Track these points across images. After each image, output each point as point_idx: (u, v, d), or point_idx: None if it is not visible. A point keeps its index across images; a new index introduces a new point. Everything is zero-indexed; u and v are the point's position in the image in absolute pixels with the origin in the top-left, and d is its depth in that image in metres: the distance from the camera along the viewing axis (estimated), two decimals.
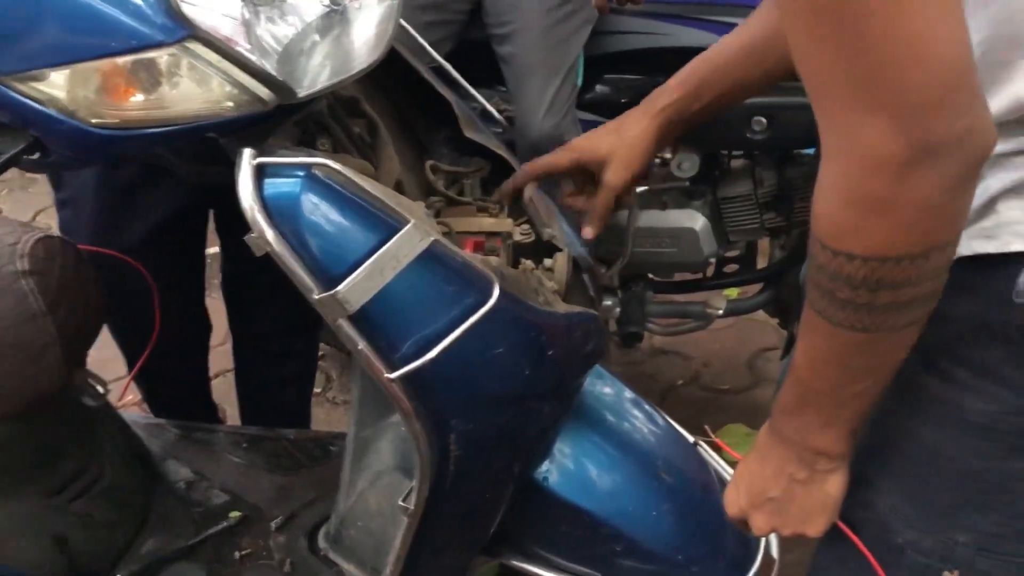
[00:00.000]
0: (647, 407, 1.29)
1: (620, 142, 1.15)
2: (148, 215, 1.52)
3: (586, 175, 1.21)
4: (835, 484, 0.81)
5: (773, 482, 0.83)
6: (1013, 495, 0.77)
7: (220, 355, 2.02)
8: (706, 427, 1.27)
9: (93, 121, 0.84)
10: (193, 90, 0.84)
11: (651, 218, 2.19)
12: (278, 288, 1.70)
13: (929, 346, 0.76)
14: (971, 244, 0.72)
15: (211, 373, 1.99)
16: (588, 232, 1.14)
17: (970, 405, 0.76)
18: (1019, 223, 0.71)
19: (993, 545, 0.79)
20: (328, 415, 2.47)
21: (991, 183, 0.72)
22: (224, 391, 2.27)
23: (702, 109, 1.12)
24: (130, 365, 1.74)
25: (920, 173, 0.58)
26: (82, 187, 1.50)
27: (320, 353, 2.60)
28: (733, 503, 0.90)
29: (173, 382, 1.80)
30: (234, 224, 1.67)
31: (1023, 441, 0.75)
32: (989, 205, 0.72)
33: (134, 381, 1.79)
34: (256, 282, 1.74)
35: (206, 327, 1.82)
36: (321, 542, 1.37)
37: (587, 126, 2.08)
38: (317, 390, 2.48)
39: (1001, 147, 0.69)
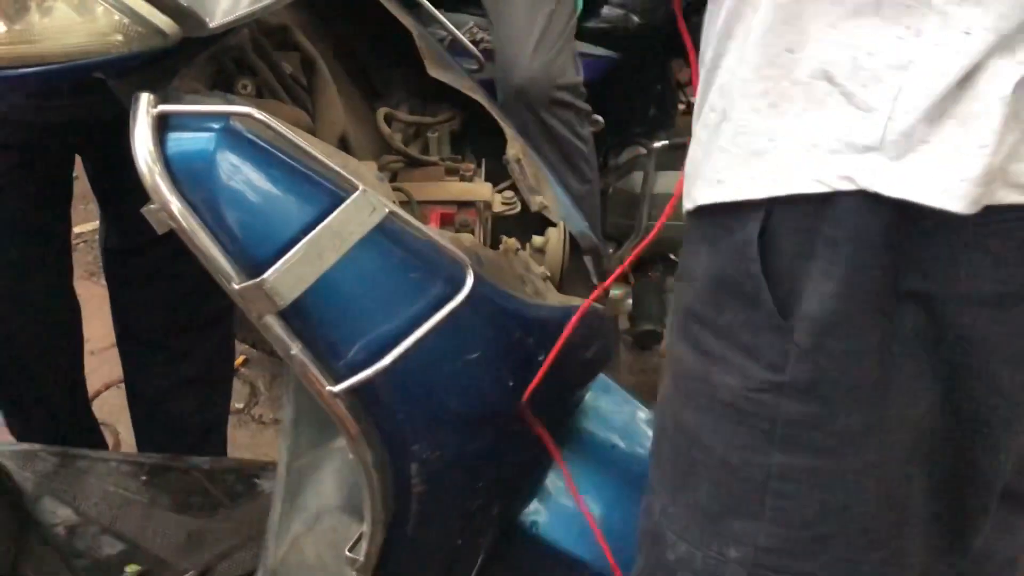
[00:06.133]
0: None
1: None
2: None
3: None
4: None
5: None
6: (782, 498, 0.80)
7: (110, 360, 2.02)
8: None
9: None
10: (71, 19, 0.83)
11: (672, 181, 2.19)
12: (173, 266, 1.73)
13: (680, 308, 0.83)
14: (703, 190, 0.78)
15: (100, 384, 1.99)
16: None
17: (719, 380, 0.80)
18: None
19: (768, 561, 0.82)
20: (253, 438, 2.47)
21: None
22: (117, 407, 2.27)
23: None
24: None
25: None
26: None
27: (242, 357, 2.61)
28: None
29: (36, 389, 1.80)
30: (115, 183, 1.70)
31: (779, 428, 0.78)
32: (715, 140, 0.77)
33: None
34: (147, 259, 1.74)
35: (73, 310, 1.82)
36: None
37: (589, 64, 2.08)
38: (238, 406, 2.48)
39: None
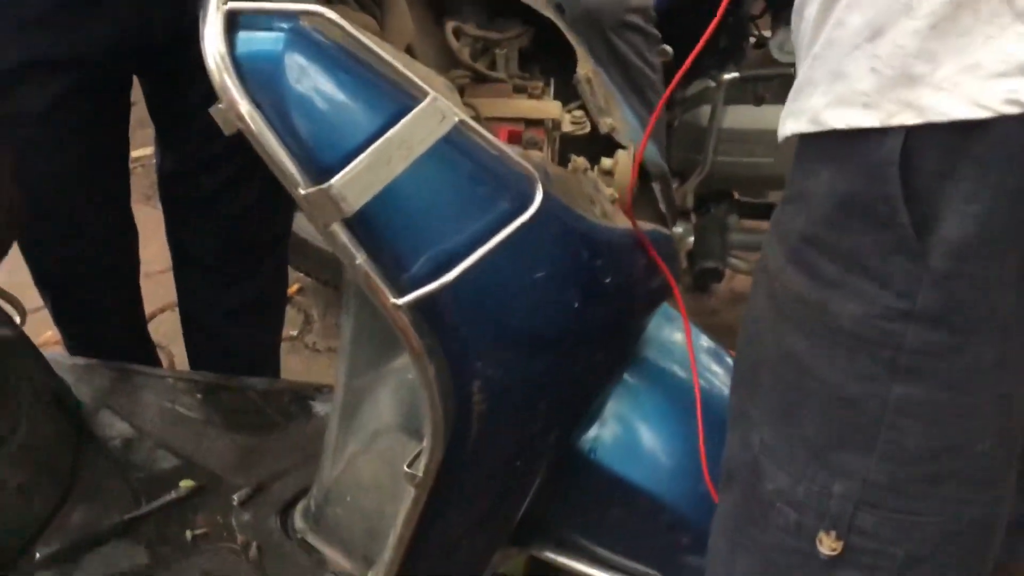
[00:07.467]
0: (730, 360, 1.28)
1: None
2: (53, 72, 1.52)
3: None
4: None
5: None
6: (898, 432, 0.78)
7: (164, 284, 2.04)
8: None
9: None
10: None
11: (741, 116, 2.16)
12: (228, 192, 1.73)
13: (792, 233, 0.80)
14: (842, 113, 0.74)
15: (155, 308, 2.00)
16: None
17: (838, 307, 0.78)
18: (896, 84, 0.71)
19: (875, 496, 0.80)
20: (307, 365, 2.50)
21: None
22: (172, 330, 2.30)
23: None
24: (39, 283, 1.77)
25: None
26: None
27: (296, 286, 2.63)
28: None
29: (94, 310, 1.82)
30: (172, 106, 1.70)
31: (903, 358, 0.76)
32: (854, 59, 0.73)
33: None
34: (202, 185, 1.75)
35: (130, 233, 1.84)
36: (298, 522, 1.39)
37: None
38: (292, 333, 2.50)
39: None
